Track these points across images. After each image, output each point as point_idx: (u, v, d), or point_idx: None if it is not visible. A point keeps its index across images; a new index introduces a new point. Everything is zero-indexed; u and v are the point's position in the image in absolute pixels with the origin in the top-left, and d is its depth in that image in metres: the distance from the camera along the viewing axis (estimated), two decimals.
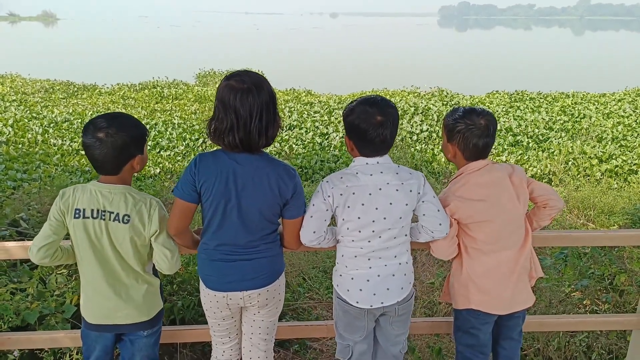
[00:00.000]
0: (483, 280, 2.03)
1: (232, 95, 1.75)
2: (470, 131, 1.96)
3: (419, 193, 1.89)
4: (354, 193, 1.86)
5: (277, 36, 73.32)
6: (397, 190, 1.86)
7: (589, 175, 8.69)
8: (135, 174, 2.08)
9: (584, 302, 3.27)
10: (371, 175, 1.87)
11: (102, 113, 1.86)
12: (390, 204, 1.86)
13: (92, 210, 1.83)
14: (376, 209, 1.86)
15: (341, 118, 14.32)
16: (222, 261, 1.92)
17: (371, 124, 1.83)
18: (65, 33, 71.96)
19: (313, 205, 1.91)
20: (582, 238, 2.48)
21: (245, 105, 1.74)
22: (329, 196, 1.88)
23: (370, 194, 1.86)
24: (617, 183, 8.23)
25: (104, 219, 1.83)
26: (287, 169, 1.88)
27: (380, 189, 1.86)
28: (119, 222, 1.83)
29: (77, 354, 2.59)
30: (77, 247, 1.90)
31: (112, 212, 1.83)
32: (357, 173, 1.88)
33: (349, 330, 2.04)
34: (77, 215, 1.84)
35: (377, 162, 1.89)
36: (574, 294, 3.38)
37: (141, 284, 1.95)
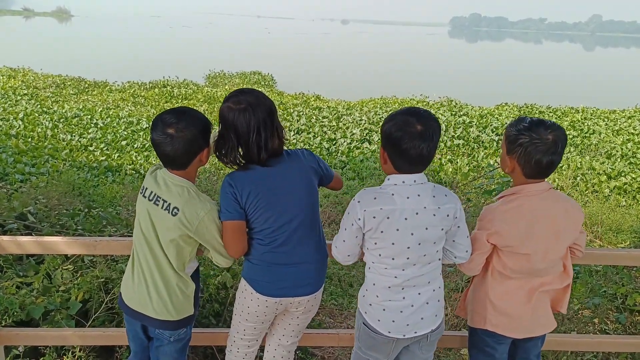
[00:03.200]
0: (502, 301, 1.95)
1: (231, 115, 1.84)
2: (535, 146, 1.76)
3: (455, 217, 1.78)
4: (388, 217, 1.72)
5: (288, 40, 73.60)
6: (434, 215, 1.74)
7: (597, 192, 8.62)
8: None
9: (594, 321, 3.22)
10: (408, 198, 1.72)
11: (168, 109, 1.89)
12: (426, 229, 1.75)
13: (151, 192, 1.88)
14: (412, 234, 1.74)
15: (349, 124, 14.34)
16: (278, 265, 1.94)
17: (408, 132, 1.68)
18: (78, 29, 72.53)
19: (345, 229, 1.82)
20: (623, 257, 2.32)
21: (243, 124, 1.83)
22: (359, 219, 1.75)
23: (406, 219, 1.72)
24: (625, 200, 8.16)
25: (157, 205, 1.86)
26: (304, 150, 2.01)
27: (417, 214, 1.73)
28: (168, 212, 1.85)
29: (79, 351, 2.58)
30: (135, 222, 1.95)
31: (166, 201, 1.85)
32: (392, 194, 1.73)
33: (374, 349, 1.94)
34: (141, 192, 1.92)
35: (415, 181, 1.74)
36: (581, 311, 3.34)
37: (174, 283, 1.93)
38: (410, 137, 1.68)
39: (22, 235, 3.67)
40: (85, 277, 2.92)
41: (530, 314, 1.94)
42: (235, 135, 1.85)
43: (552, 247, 1.87)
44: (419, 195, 1.74)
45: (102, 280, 2.90)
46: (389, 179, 1.78)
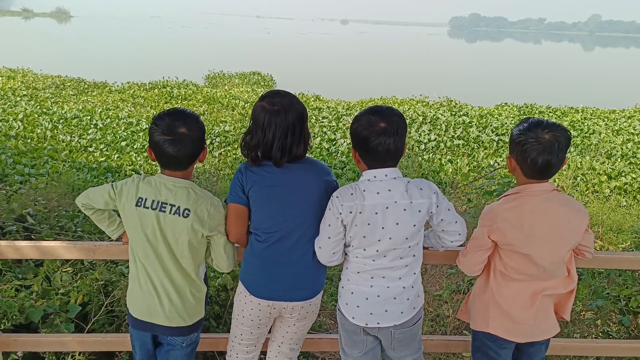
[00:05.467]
0: (506, 303, 1.93)
1: (262, 115, 1.86)
2: (530, 145, 1.77)
3: (431, 212, 1.83)
4: (360, 212, 1.81)
5: (288, 40, 73.56)
6: (404, 210, 1.80)
7: (597, 192, 8.61)
8: None
9: (596, 323, 3.20)
10: (378, 193, 1.81)
11: (165, 110, 1.89)
12: (397, 224, 1.80)
13: (153, 201, 1.84)
14: (382, 228, 1.81)
15: (349, 124, 14.44)
16: (273, 264, 1.93)
17: (373, 131, 1.77)
18: (78, 30, 72.40)
19: (329, 225, 1.86)
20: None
21: (272, 126, 1.85)
22: (340, 213, 1.83)
23: (376, 213, 1.81)
24: (626, 201, 8.14)
25: (164, 211, 1.84)
26: (323, 165, 2.01)
27: (387, 208, 1.80)
28: (179, 215, 1.84)
29: (79, 354, 2.56)
30: (132, 235, 1.90)
31: (174, 205, 1.84)
32: (364, 190, 1.82)
33: (349, 344, 2.00)
34: (139, 204, 1.85)
35: (386, 175, 1.82)
36: (584, 313, 3.32)
37: (188, 288, 1.93)
38: (375, 136, 1.77)
39: (21, 237, 3.65)
40: (85, 280, 2.91)
41: (532, 318, 1.93)
42: (262, 135, 1.87)
43: (553, 249, 1.85)
44: (389, 190, 1.81)
45: (102, 282, 2.89)
46: (363, 175, 1.87)
